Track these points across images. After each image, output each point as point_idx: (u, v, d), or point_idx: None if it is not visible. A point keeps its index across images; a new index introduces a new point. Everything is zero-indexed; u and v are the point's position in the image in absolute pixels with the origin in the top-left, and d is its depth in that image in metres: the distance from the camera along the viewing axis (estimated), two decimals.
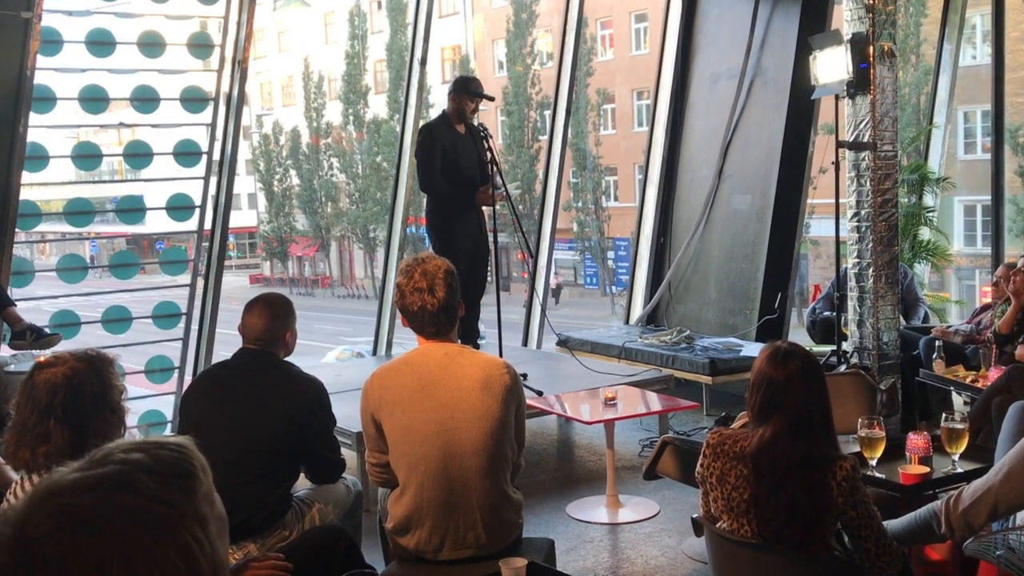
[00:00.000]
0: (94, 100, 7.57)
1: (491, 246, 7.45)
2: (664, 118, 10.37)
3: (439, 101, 7.75)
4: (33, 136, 7.26)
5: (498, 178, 7.23)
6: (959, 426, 4.35)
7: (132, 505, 1.18)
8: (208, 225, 8.13)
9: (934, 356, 6.52)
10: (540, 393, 6.84)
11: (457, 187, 7.35)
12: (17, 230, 7.36)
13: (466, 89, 7.49)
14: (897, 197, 6.91)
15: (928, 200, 10.24)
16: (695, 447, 4.48)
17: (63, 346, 5.87)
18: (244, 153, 41.20)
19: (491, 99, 7.79)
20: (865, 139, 6.71)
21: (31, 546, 1.13)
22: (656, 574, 5.08)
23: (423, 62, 9.41)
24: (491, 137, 7.34)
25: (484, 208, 7.49)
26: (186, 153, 7.96)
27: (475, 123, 7.49)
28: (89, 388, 3.13)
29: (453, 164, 7.35)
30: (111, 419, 3.16)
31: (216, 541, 1.24)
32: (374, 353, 9.79)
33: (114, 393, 3.19)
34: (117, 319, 7.78)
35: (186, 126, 8.10)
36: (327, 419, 4.24)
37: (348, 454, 4.97)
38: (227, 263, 8.74)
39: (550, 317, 9.30)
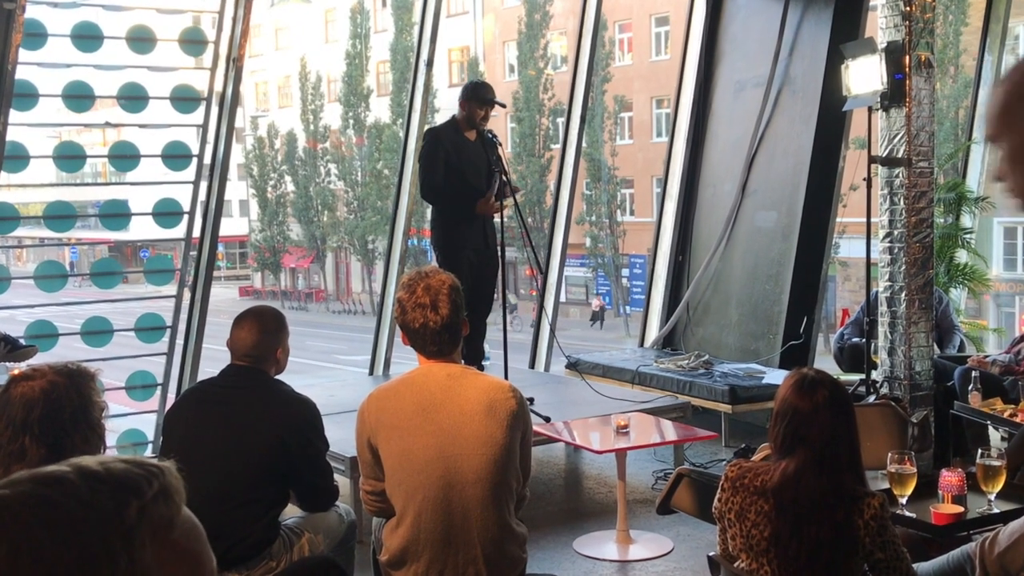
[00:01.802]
0: (78, 98, 7.59)
1: (498, 261, 7.46)
2: (685, 128, 10.37)
3: (445, 105, 7.81)
4: (13, 135, 7.28)
5: (505, 186, 7.24)
6: (996, 463, 4.33)
7: (45, 499, 1.23)
8: (196, 233, 8.14)
9: (970, 388, 6.50)
10: (547, 419, 6.83)
11: (462, 196, 7.35)
12: None
13: (477, 96, 7.50)
14: (933, 217, 6.90)
15: (966, 221, 10.23)
16: (713, 480, 4.46)
17: (40, 359, 5.87)
18: (237, 157, 41.22)
19: (503, 106, 7.80)
20: (899, 154, 6.71)
21: None
22: None
23: (429, 64, 9.42)
24: (500, 144, 7.36)
25: (492, 220, 7.50)
26: (175, 156, 7.96)
27: (485, 130, 7.50)
28: (68, 404, 3.12)
29: (457, 172, 7.36)
30: (91, 437, 3.15)
31: (149, 569, 1.25)
32: (371, 373, 9.79)
33: (95, 410, 3.18)
34: (97, 331, 7.78)
35: (176, 127, 8.12)
36: (319, 443, 4.24)
37: (341, 480, 4.97)
38: (216, 274, 8.75)
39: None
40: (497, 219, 7.40)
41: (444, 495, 3.60)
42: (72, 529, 1.22)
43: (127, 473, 1.29)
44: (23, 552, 1.19)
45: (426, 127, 8.77)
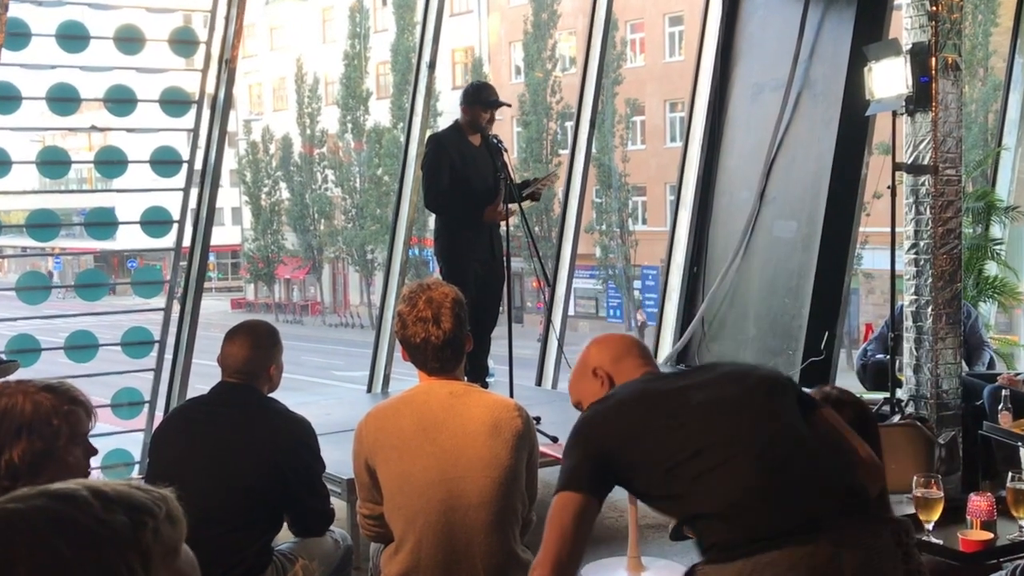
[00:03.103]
0: (63, 100, 7.60)
1: (505, 272, 7.45)
2: (700, 133, 10.37)
3: (448, 108, 7.80)
4: None
5: (512, 193, 7.24)
6: None
7: (62, 515, 1.27)
8: (187, 242, 8.14)
9: (1000, 407, 6.48)
10: (555, 439, 6.81)
11: (466, 205, 7.35)
12: None
13: (480, 99, 7.49)
14: (961, 227, 6.90)
15: (995, 231, 10.21)
16: None
17: (22, 374, 5.88)
18: (229, 162, 41.36)
19: (508, 105, 7.78)
20: (925, 161, 6.71)
21: None
22: None
23: (432, 65, 9.43)
24: (506, 150, 7.35)
25: (499, 229, 7.48)
26: (164, 161, 7.98)
27: (491, 134, 7.50)
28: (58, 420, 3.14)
29: (463, 179, 7.35)
30: (77, 452, 3.16)
31: None
32: (369, 390, 9.78)
33: (83, 426, 3.19)
34: (82, 346, 7.79)
35: (165, 131, 8.14)
36: (315, 464, 4.24)
37: (338, 504, 4.96)
38: (207, 285, 8.76)
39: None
40: (503, 228, 7.39)
41: (446, 520, 3.59)
42: (93, 545, 1.25)
43: (136, 496, 1.34)
44: (46, 568, 1.22)
45: (429, 132, 8.78)
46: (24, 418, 3.08)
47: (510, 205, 7.25)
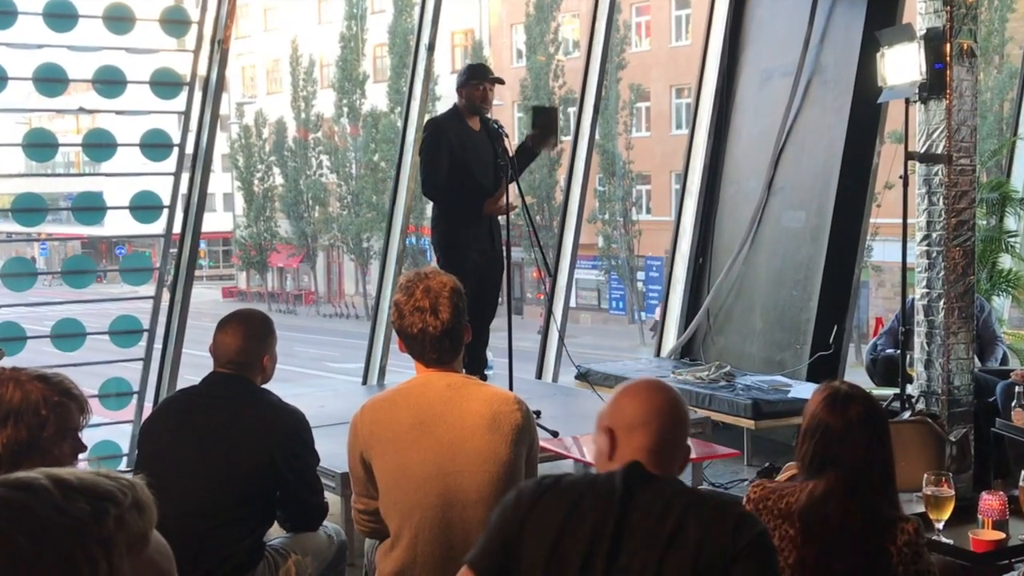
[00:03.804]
0: (50, 81, 7.59)
1: (505, 262, 7.45)
2: (707, 120, 10.37)
3: (447, 92, 7.76)
4: None
5: (513, 183, 7.23)
6: None
7: (20, 504, 1.27)
8: (177, 228, 8.14)
9: (1013, 404, 6.48)
10: (555, 434, 6.83)
11: (466, 193, 7.35)
12: None
13: (473, 76, 7.47)
14: (974, 219, 6.89)
15: (1010, 223, 10.21)
16: None
17: (6, 362, 5.88)
18: (221, 147, 41.32)
19: (501, 81, 7.71)
20: (939, 150, 6.70)
21: None
22: None
23: (431, 48, 9.42)
24: (507, 136, 7.34)
25: (499, 218, 7.48)
26: (155, 145, 7.97)
27: (491, 118, 7.49)
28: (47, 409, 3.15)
29: (463, 166, 7.34)
30: (63, 445, 3.17)
31: None
32: (364, 382, 9.79)
33: (73, 418, 3.20)
34: (68, 334, 7.78)
35: (156, 114, 8.13)
36: (309, 457, 4.25)
37: (332, 498, 4.97)
38: (198, 273, 8.76)
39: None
40: (503, 218, 7.39)
41: (443, 515, 3.60)
42: (49, 535, 1.26)
43: (100, 483, 1.33)
44: (1, 558, 1.23)
45: (427, 117, 8.77)
46: (12, 405, 3.09)
47: (511, 197, 7.23)
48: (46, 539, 1.25)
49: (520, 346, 7.48)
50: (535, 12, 38.87)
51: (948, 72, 6.63)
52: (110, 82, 7.76)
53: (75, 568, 1.26)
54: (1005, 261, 10.12)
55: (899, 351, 7.43)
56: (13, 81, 7.42)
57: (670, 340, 10.52)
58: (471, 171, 7.35)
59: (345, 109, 43.19)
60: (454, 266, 6.99)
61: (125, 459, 7.86)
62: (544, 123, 7.72)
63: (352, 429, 3.78)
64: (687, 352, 10.25)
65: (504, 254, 7.44)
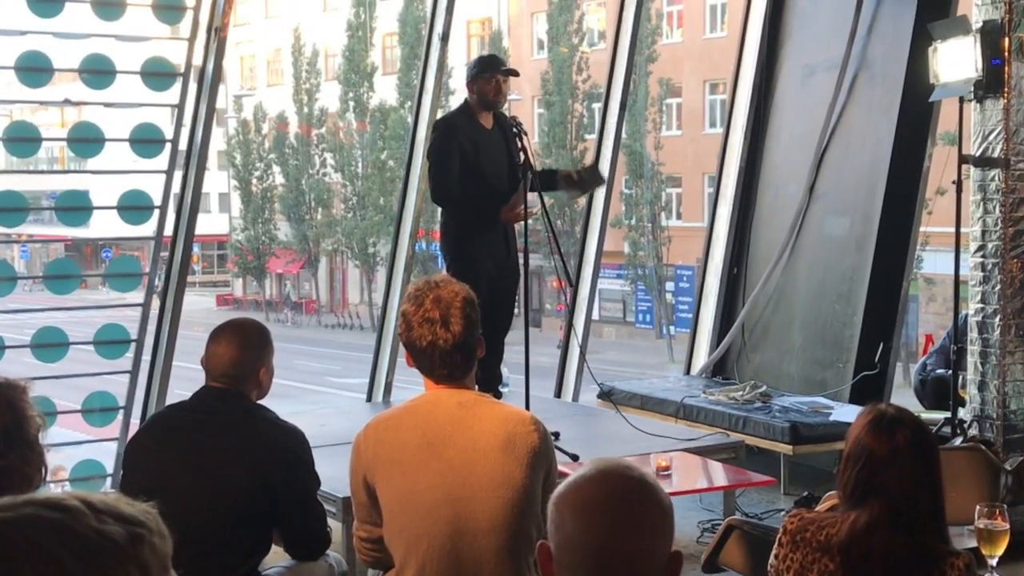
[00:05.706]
0: (34, 70, 7.62)
1: (521, 270, 7.45)
2: (743, 118, 10.37)
3: (462, 86, 7.76)
4: None
5: (531, 186, 7.22)
6: None
7: (60, 524, 1.30)
8: (168, 231, 8.16)
9: None
10: (575, 457, 6.83)
11: (480, 199, 7.34)
12: None
13: (484, 69, 7.45)
14: None
15: None
16: (768, 533, 4.46)
17: None
18: (217, 143, 41.46)
19: (515, 74, 7.71)
20: (995, 153, 6.70)
21: None
22: None
23: (444, 38, 9.44)
24: (526, 134, 7.31)
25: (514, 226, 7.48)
26: (145, 140, 7.99)
27: (507, 114, 7.48)
28: (0, 420, 3.14)
29: (475, 169, 7.33)
30: (30, 457, 3.16)
31: None
32: (369, 399, 9.80)
33: (31, 427, 3.19)
34: (50, 344, 7.80)
35: (147, 107, 8.15)
36: (308, 479, 4.25)
37: (333, 525, 4.97)
38: (190, 279, 8.78)
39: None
40: (519, 224, 7.38)
41: (452, 544, 3.59)
42: (92, 555, 1.29)
43: (123, 507, 1.37)
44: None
45: (439, 113, 8.77)
46: None
47: (530, 204, 7.22)
48: (90, 559, 1.28)
49: (538, 361, 7.47)
50: (558, 0, 38.90)
51: (1006, 68, 6.62)
52: (98, 72, 7.78)
53: None
54: None
55: (950, 371, 7.41)
56: None
57: (701, 357, 10.49)
58: (484, 175, 7.34)
59: (351, 103, 43.30)
60: (465, 275, 6.97)
61: (109, 479, 7.87)
62: (588, 180, 7.81)
63: (355, 450, 3.78)
64: (720, 370, 10.23)
65: (520, 262, 7.43)
